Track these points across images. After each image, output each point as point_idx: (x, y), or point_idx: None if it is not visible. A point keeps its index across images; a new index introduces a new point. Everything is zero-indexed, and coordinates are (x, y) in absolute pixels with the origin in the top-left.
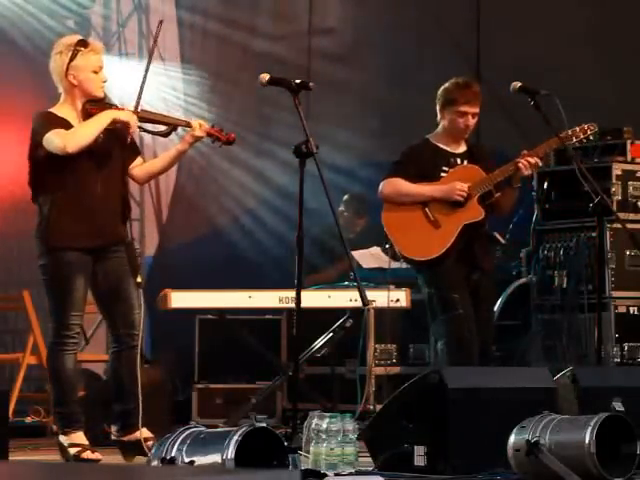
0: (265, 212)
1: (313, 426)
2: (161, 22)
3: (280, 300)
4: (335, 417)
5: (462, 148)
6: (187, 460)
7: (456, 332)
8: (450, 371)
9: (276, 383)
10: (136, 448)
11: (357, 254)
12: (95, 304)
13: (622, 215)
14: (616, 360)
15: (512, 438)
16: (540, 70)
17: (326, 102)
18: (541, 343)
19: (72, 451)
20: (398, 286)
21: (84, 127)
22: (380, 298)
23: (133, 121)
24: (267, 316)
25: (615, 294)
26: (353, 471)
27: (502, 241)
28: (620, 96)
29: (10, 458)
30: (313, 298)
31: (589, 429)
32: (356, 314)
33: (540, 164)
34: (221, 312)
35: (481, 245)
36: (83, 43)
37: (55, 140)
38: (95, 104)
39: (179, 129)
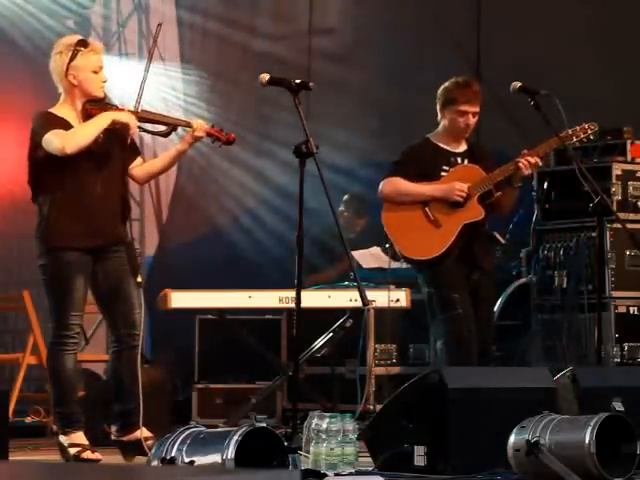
0: (265, 212)
1: (313, 426)
2: (160, 25)
3: (280, 300)
4: (335, 417)
5: (463, 147)
6: (187, 460)
7: (455, 332)
8: (450, 371)
9: (276, 383)
10: (136, 448)
11: (357, 254)
12: (95, 304)
13: (622, 215)
14: (616, 360)
15: (512, 438)
16: (540, 70)
17: (326, 102)
18: (541, 343)
19: (72, 451)
20: (398, 286)
21: (83, 128)
22: (380, 298)
23: (133, 122)
24: (267, 316)
25: (615, 294)
26: (353, 471)
27: (502, 241)
28: (620, 96)
29: (10, 458)
30: (313, 298)
31: (589, 429)
32: (356, 314)
33: (540, 164)
34: (221, 312)
35: (481, 245)
36: (83, 43)
37: (54, 141)
38: (95, 104)
39: (179, 129)
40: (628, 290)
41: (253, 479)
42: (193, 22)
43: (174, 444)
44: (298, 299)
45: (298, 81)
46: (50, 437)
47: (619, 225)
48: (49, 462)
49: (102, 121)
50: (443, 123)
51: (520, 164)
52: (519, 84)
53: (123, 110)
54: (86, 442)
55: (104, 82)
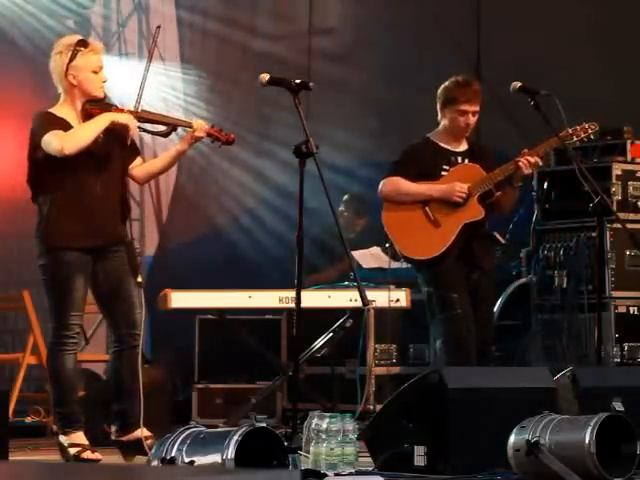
0: (265, 212)
1: (313, 426)
2: (159, 27)
3: (280, 300)
4: (335, 417)
5: (463, 147)
6: (187, 460)
7: (454, 332)
8: (450, 371)
9: (276, 383)
10: (135, 448)
11: (357, 254)
12: (96, 304)
13: (622, 215)
14: (616, 360)
15: (512, 438)
16: (540, 70)
17: (326, 102)
18: (541, 343)
19: (72, 451)
20: (398, 286)
21: (82, 129)
22: (380, 298)
23: (132, 124)
24: (267, 316)
25: (615, 294)
26: (353, 471)
27: (502, 241)
28: (620, 96)
29: (10, 458)
30: (313, 298)
31: (589, 429)
32: (356, 314)
33: (540, 163)
34: (221, 312)
35: (481, 244)
36: (83, 43)
37: (53, 142)
38: (95, 104)
39: (179, 129)
40: (628, 290)
41: (253, 479)
42: (193, 22)
43: (174, 444)
44: (298, 299)
45: (298, 81)
46: (50, 437)
47: (619, 225)
48: (49, 462)
49: (101, 122)
50: (443, 122)
51: (520, 163)
52: (519, 84)
53: (123, 110)
54: (86, 442)
55: (104, 82)
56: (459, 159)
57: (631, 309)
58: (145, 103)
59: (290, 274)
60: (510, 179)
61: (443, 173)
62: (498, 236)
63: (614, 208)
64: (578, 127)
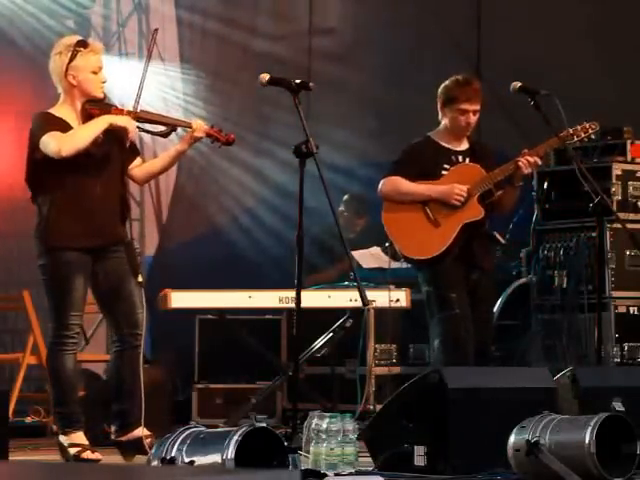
0: (264, 211)
1: (313, 426)
2: (156, 30)
3: (280, 300)
4: (335, 417)
5: (464, 145)
6: (187, 460)
7: (452, 332)
8: (450, 371)
9: (276, 383)
10: (135, 448)
11: (357, 254)
12: (97, 305)
13: (622, 215)
14: (616, 360)
15: (512, 438)
16: (540, 70)
17: (326, 102)
18: (541, 343)
19: (72, 451)
20: (398, 286)
21: (80, 131)
22: (380, 298)
23: (131, 126)
24: (267, 316)
25: (615, 294)
26: (353, 471)
27: (502, 241)
28: (620, 95)
29: (10, 458)
30: (313, 298)
31: (589, 429)
32: (356, 314)
33: (540, 163)
34: (221, 312)
35: (481, 244)
36: (83, 43)
37: (51, 143)
38: (95, 104)
39: (179, 129)
40: (628, 290)
41: (253, 479)
42: (193, 22)
43: (174, 444)
44: (298, 299)
45: (298, 81)
46: (50, 437)
47: (619, 225)
48: (49, 462)
49: (99, 125)
50: (444, 122)
51: (520, 163)
52: (519, 84)
53: (123, 111)
54: (86, 442)
55: (103, 82)
56: (460, 158)
57: (631, 309)
58: (145, 103)
59: (290, 274)
60: (510, 179)
61: (443, 172)
62: (498, 236)
63: (614, 208)
64: (579, 127)
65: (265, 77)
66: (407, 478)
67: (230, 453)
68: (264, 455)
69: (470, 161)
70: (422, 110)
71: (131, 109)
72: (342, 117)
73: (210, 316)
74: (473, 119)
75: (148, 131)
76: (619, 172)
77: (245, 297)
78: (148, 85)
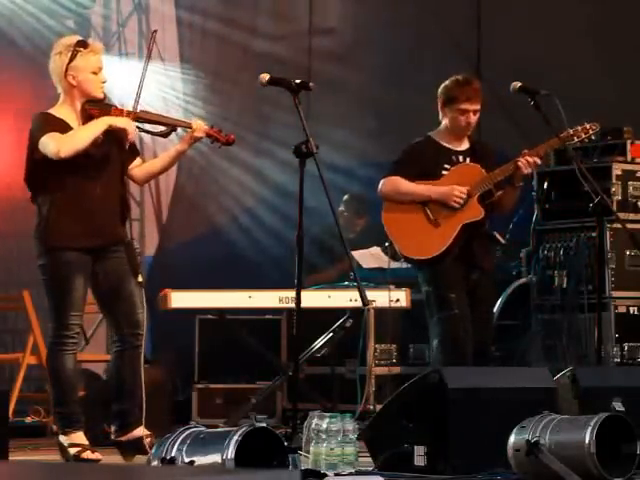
0: (264, 211)
1: (313, 426)
2: (154, 32)
3: (280, 300)
4: (335, 417)
5: (465, 145)
6: (187, 460)
7: (451, 332)
8: (450, 371)
9: (276, 383)
10: (135, 447)
11: (357, 254)
12: (97, 305)
13: (622, 215)
14: (616, 360)
15: (512, 438)
16: (540, 70)
17: (326, 102)
18: (541, 343)
19: (72, 451)
20: (398, 286)
21: (79, 132)
22: (380, 298)
23: (130, 127)
24: (267, 316)
25: (615, 294)
26: (353, 471)
27: (502, 241)
28: (620, 95)
29: (10, 458)
30: (313, 298)
31: (589, 429)
32: (356, 314)
33: (539, 163)
34: (221, 312)
35: (481, 244)
36: (82, 44)
37: (50, 144)
38: (94, 105)
39: (179, 129)
40: (628, 290)
41: (253, 479)
42: (193, 22)
43: (174, 444)
44: (298, 299)
45: (298, 81)
46: (50, 437)
47: (619, 225)
48: (49, 462)
49: (99, 126)
50: (444, 122)
51: (519, 163)
52: (519, 84)
53: (122, 111)
54: (86, 442)
55: (103, 83)
56: (460, 158)
57: (631, 309)
58: (145, 103)
59: (290, 274)
60: (511, 179)
61: (444, 172)
62: (498, 236)
63: (614, 208)
64: (579, 127)
65: (265, 77)
66: (407, 478)
67: (230, 453)
68: (264, 455)
69: (470, 161)
70: (422, 110)
71: (131, 109)
72: (342, 117)
73: (210, 316)
74: (473, 119)
75: (148, 131)
76: (619, 172)
77: (245, 297)
78: (148, 85)
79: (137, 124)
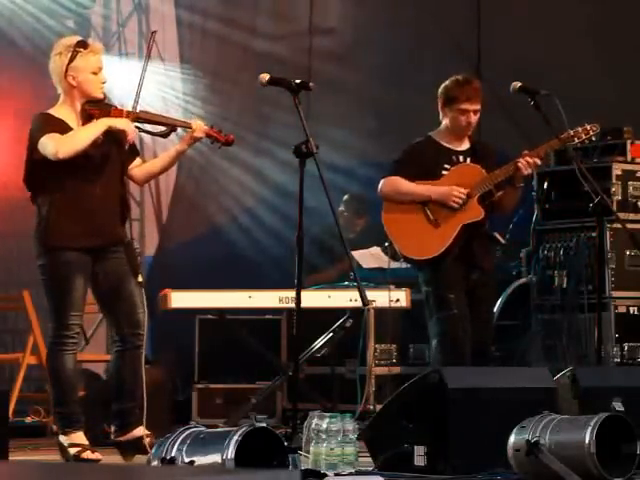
0: (264, 211)
1: (313, 426)
2: (153, 33)
3: (280, 300)
4: (335, 417)
5: (465, 145)
6: (187, 460)
7: (450, 332)
8: (450, 371)
9: (276, 383)
10: (134, 447)
11: (357, 254)
12: (97, 305)
13: (622, 215)
14: (616, 360)
15: (512, 438)
16: (540, 70)
17: (326, 102)
18: (541, 343)
19: (72, 451)
20: (398, 286)
21: (78, 134)
22: (380, 298)
23: (129, 128)
24: (267, 316)
25: (615, 294)
26: (353, 471)
27: (502, 241)
28: (620, 95)
29: (10, 458)
30: (313, 298)
31: (589, 429)
32: (356, 314)
33: (539, 163)
34: (221, 312)
35: (481, 244)
36: (82, 44)
37: (48, 145)
38: (94, 105)
39: (179, 129)
40: (628, 290)
41: (253, 479)
42: (192, 22)
43: (174, 444)
44: (298, 299)
45: (298, 81)
46: (50, 437)
47: (619, 225)
48: (49, 462)
49: (98, 127)
50: (445, 122)
51: (520, 164)
52: (519, 84)
53: (122, 111)
54: (86, 442)
55: (103, 83)
56: (461, 158)
57: (631, 309)
58: (145, 103)
59: (290, 274)
60: (511, 180)
61: (444, 172)
62: (498, 236)
63: (614, 208)
64: (580, 128)
65: (265, 77)
66: (407, 478)
67: (230, 453)
68: (264, 455)
69: (471, 161)
70: (422, 110)
71: (130, 109)
72: (342, 117)
73: (210, 316)
74: (474, 119)
75: (148, 131)
76: (619, 172)
77: (245, 297)
78: (148, 85)
79: (137, 124)
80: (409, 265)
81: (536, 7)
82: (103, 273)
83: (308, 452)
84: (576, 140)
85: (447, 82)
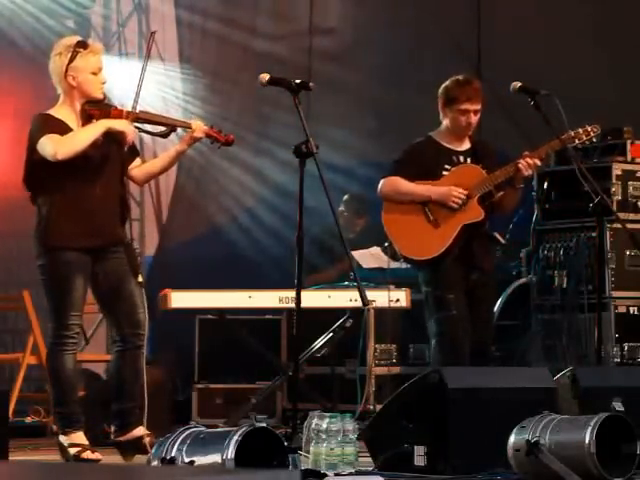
0: (264, 211)
1: (313, 426)
2: (153, 33)
3: (280, 300)
4: (335, 417)
5: (466, 145)
6: (187, 460)
7: (449, 332)
8: (450, 371)
9: (276, 383)
10: (134, 447)
11: (357, 254)
12: (97, 305)
13: (622, 215)
14: (616, 360)
15: (512, 438)
16: (540, 70)
17: (326, 102)
18: (541, 343)
19: (72, 451)
20: (398, 286)
21: (77, 135)
22: (380, 298)
23: (129, 130)
24: (267, 316)
25: (615, 294)
26: (353, 471)
27: (502, 241)
28: (620, 95)
29: (10, 458)
30: (313, 298)
31: (589, 429)
32: (356, 314)
33: (540, 164)
34: (221, 312)
35: (481, 245)
36: (82, 44)
37: (47, 147)
38: (94, 105)
39: (179, 129)
40: (628, 290)
41: (253, 479)
42: (192, 22)
43: (174, 444)
44: (298, 299)
45: (298, 81)
46: (50, 437)
47: (619, 225)
48: (49, 462)
49: (97, 129)
50: (445, 122)
51: (520, 165)
52: (519, 84)
53: (122, 112)
54: (86, 442)
55: (103, 83)
56: (461, 158)
57: (631, 309)
58: (145, 103)
59: (290, 274)
60: (511, 180)
61: (444, 173)
62: (498, 236)
63: (614, 208)
64: (580, 130)
65: (265, 77)
66: (407, 478)
67: (230, 453)
68: (264, 455)
69: (471, 161)
70: (422, 110)
71: (130, 110)
72: (342, 117)
73: (210, 316)
74: (474, 119)
75: (148, 131)
76: (619, 172)
77: (245, 297)
78: (148, 85)
79: (137, 124)
80: (409, 265)
81: (536, 7)
82: (103, 273)
83: (308, 452)
84: (577, 141)
85: (447, 82)
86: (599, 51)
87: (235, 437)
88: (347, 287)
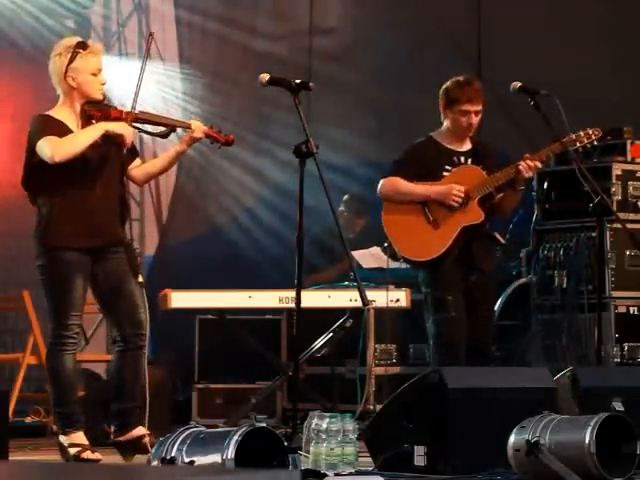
0: (264, 211)
1: (313, 426)
2: (151, 34)
3: (280, 300)
4: (335, 417)
5: (467, 146)
6: (187, 460)
7: (447, 334)
8: (450, 371)
9: (276, 383)
10: (134, 447)
11: (357, 254)
12: (98, 305)
13: (622, 215)
14: (616, 360)
15: (512, 438)
16: (540, 70)
17: (326, 102)
18: (541, 343)
19: (72, 451)
20: (398, 286)
21: (75, 137)
22: (380, 298)
23: (127, 132)
24: (267, 316)
25: (615, 294)
26: (353, 471)
27: (502, 241)
28: (621, 96)
29: (10, 458)
30: (313, 298)
31: (589, 429)
32: (356, 314)
33: (540, 166)
34: (221, 312)
35: (481, 245)
36: (82, 45)
37: (45, 149)
38: (94, 106)
39: (178, 129)
40: (628, 290)
41: (253, 479)
42: (192, 22)
43: (174, 444)
44: (298, 299)
45: (298, 81)
46: (50, 437)
47: (619, 225)
48: (49, 462)
49: (95, 132)
50: (446, 123)
51: (520, 167)
52: (519, 84)
53: (122, 112)
54: (86, 442)
55: (103, 84)
56: (462, 159)
57: (631, 309)
58: (145, 103)
59: (290, 274)
60: (512, 182)
61: (445, 174)
62: (498, 236)
63: (614, 208)
64: (582, 133)
65: (265, 77)
66: (407, 478)
67: (230, 453)
68: (264, 455)
69: (472, 162)
70: (422, 110)
71: (130, 110)
72: (342, 117)
73: (210, 316)
74: (475, 120)
75: (147, 132)
76: (619, 172)
77: (245, 297)
78: (148, 85)
79: (136, 125)
80: (409, 265)
81: (536, 7)
82: (103, 273)
83: (308, 452)
84: (578, 144)
85: (448, 83)
86: (600, 51)
87: (235, 437)
88: (347, 287)
